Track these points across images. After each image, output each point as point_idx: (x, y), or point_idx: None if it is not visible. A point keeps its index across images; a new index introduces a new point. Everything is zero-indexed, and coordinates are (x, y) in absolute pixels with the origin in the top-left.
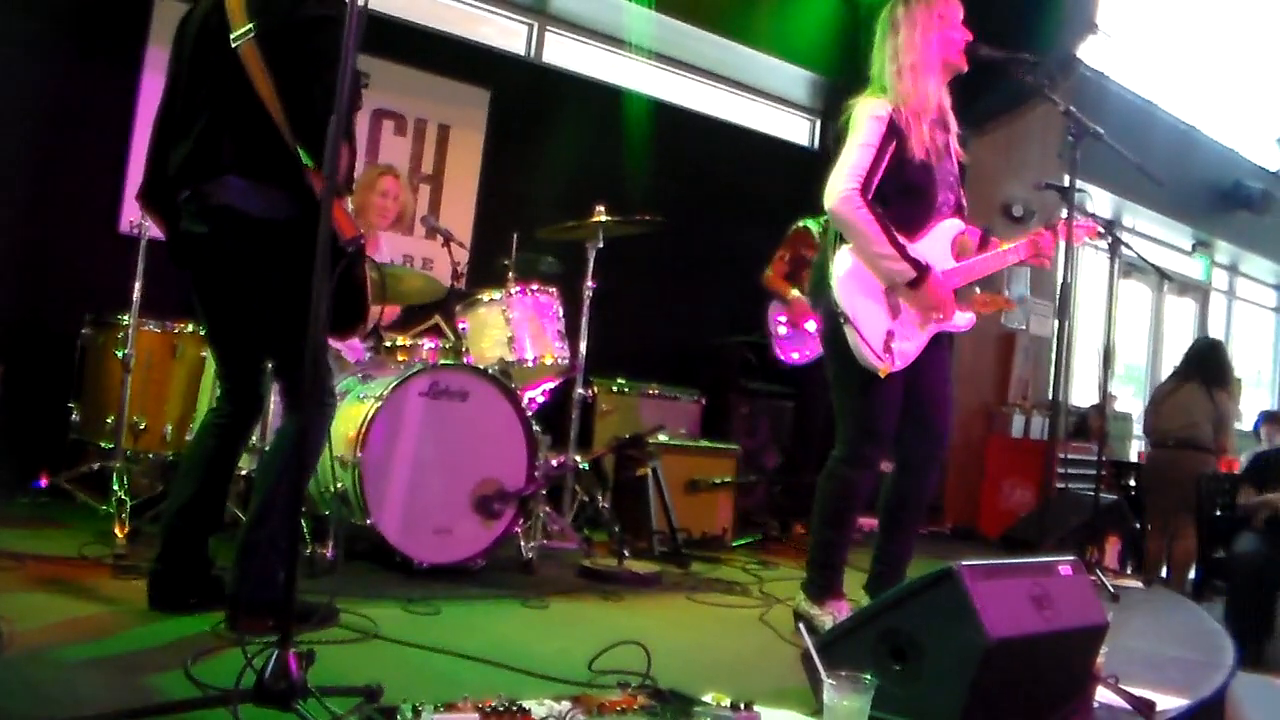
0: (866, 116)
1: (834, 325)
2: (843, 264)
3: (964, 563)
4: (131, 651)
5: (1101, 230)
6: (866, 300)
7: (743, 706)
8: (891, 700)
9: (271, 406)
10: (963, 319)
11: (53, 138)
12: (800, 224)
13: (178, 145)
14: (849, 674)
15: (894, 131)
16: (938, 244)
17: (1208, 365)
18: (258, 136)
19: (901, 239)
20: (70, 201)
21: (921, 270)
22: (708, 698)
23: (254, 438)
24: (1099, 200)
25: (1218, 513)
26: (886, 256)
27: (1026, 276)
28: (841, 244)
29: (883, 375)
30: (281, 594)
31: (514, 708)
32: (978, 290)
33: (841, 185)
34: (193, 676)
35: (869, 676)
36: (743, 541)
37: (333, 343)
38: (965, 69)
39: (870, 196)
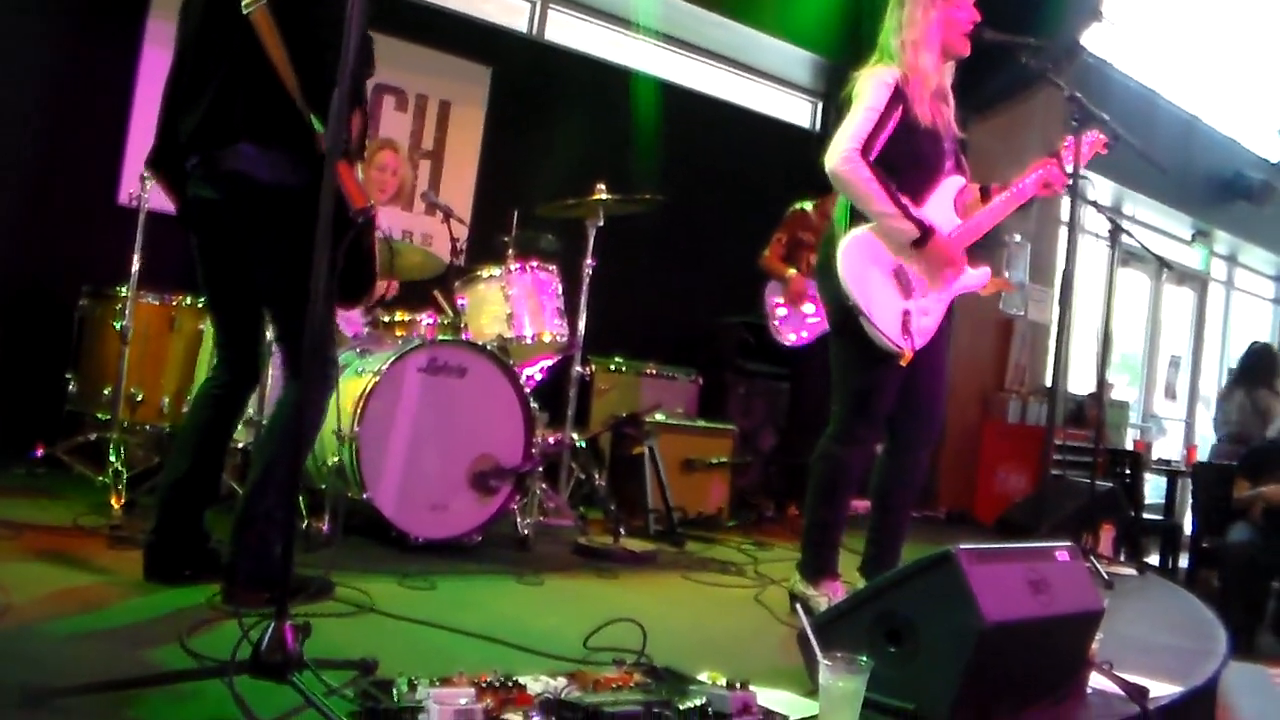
0: (872, 82)
1: (845, 316)
2: (848, 252)
3: (961, 546)
4: (127, 622)
5: (1109, 142)
6: (877, 286)
7: (738, 685)
8: (886, 682)
9: (270, 379)
10: (976, 275)
11: (53, 109)
12: (797, 206)
13: (188, 112)
14: (844, 655)
15: (899, 97)
16: (943, 200)
17: (1250, 367)
18: (269, 103)
19: (904, 200)
20: (70, 173)
21: (925, 230)
22: (703, 676)
23: (252, 410)
24: (1099, 187)
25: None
26: (889, 215)
27: (1025, 262)
28: (850, 228)
29: (905, 362)
30: (277, 567)
31: (509, 683)
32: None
33: (841, 147)
34: (188, 648)
35: (864, 658)
36: (738, 521)
37: None
38: (966, 54)
39: (872, 159)
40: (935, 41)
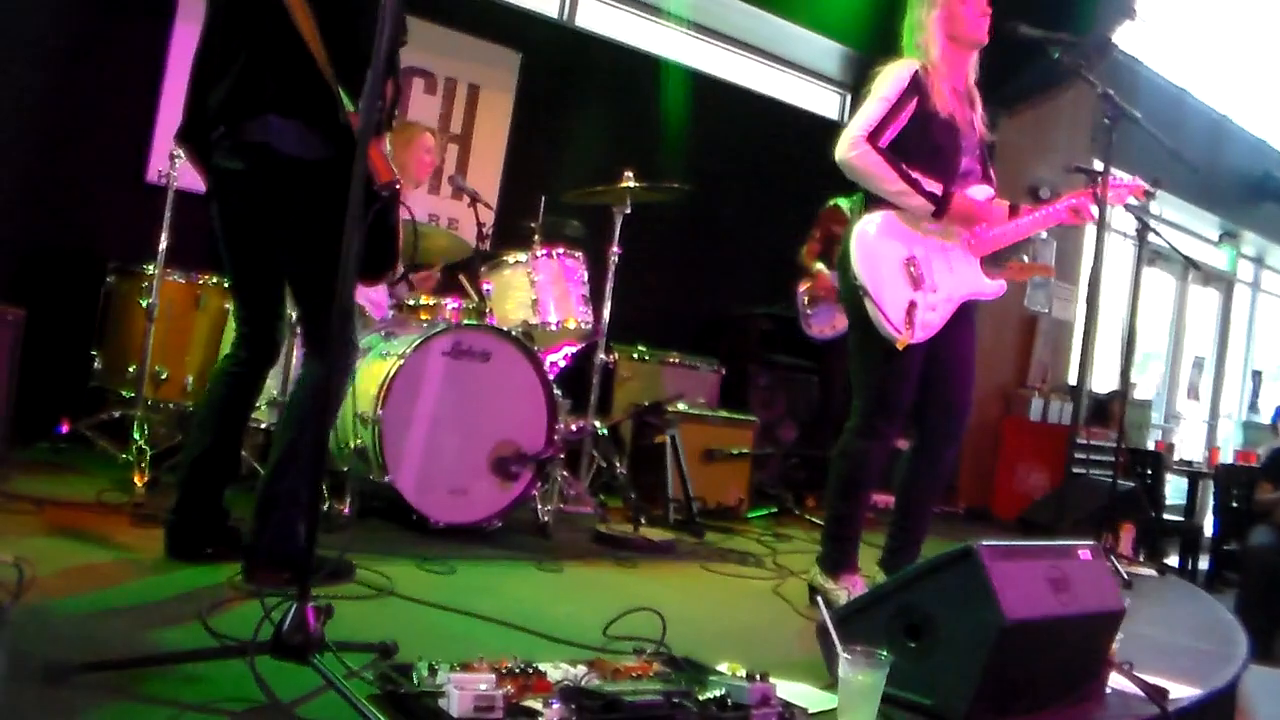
0: (888, 75)
1: (854, 298)
2: (862, 236)
3: (983, 543)
4: (148, 600)
5: (1149, 189)
6: (886, 272)
7: (757, 677)
8: (904, 677)
9: (292, 359)
10: (992, 286)
11: (82, 85)
12: (831, 202)
13: (217, 85)
14: (864, 649)
15: (915, 88)
16: None
17: None
18: (298, 75)
19: (915, 175)
20: (98, 149)
21: (940, 198)
22: (722, 667)
23: (275, 391)
24: None
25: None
26: (902, 193)
27: (1051, 259)
28: (864, 214)
29: (900, 347)
30: (299, 547)
31: (529, 669)
32: (1025, 258)
33: (849, 135)
34: (209, 627)
35: (884, 652)
36: (757, 513)
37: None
38: (983, 41)
39: (881, 144)
40: (941, 36)
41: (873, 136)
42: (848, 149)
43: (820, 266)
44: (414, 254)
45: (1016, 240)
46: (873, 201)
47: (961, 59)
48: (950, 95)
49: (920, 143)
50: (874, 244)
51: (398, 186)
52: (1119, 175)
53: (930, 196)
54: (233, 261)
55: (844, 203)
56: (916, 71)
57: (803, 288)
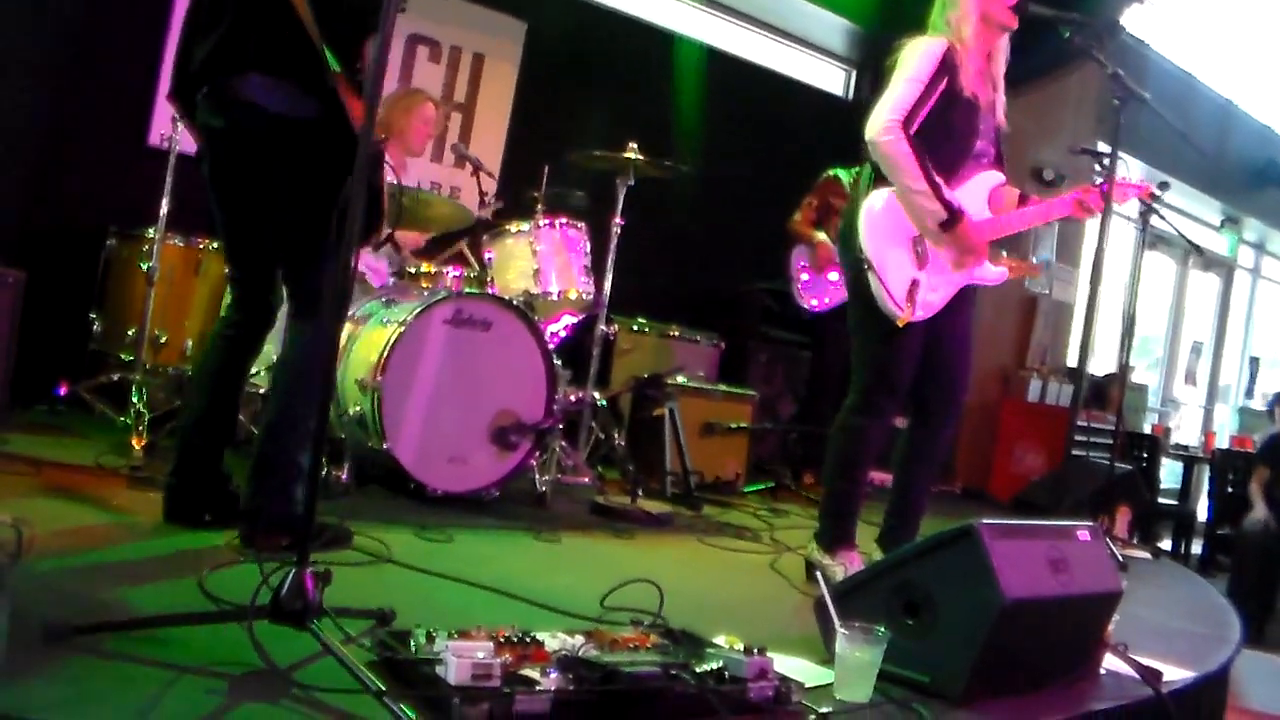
0: (919, 53)
1: (858, 272)
2: (871, 211)
3: (983, 521)
4: (146, 563)
5: (1155, 192)
6: (892, 248)
7: (755, 651)
8: (902, 654)
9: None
10: (994, 271)
11: (84, 48)
12: (830, 172)
13: (202, 42)
14: (862, 625)
15: (946, 69)
16: (976, 193)
17: None
18: (283, 34)
19: (938, 180)
20: (100, 112)
21: (954, 213)
22: (720, 640)
23: (275, 355)
24: (1131, 169)
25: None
26: (921, 193)
27: (1052, 241)
28: (871, 190)
29: (901, 325)
30: (297, 512)
31: (527, 639)
32: (1004, 254)
33: (884, 117)
34: (207, 590)
35: (881, 629)
36: (755, 488)
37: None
38: (1012, 26)
39: (913, 131)
40: (974, 14)
41: (907, 121)
42: (881, 131)
43: (823, 236)
44: (398, 220)
45: (1022, 229)
46: (882, 177)
47: (989, 40)
48: (975, 76)
49: (939, 122)
50: (882, 219)
51: (381, 146)
52: (1126, 173)
53: (947, 205)
54: (223, 220)
55: (843, 174)
56: (948, 50)
57: (800, 258)
